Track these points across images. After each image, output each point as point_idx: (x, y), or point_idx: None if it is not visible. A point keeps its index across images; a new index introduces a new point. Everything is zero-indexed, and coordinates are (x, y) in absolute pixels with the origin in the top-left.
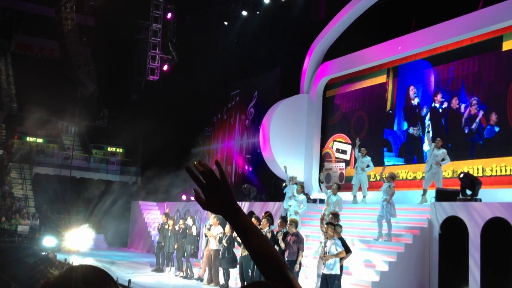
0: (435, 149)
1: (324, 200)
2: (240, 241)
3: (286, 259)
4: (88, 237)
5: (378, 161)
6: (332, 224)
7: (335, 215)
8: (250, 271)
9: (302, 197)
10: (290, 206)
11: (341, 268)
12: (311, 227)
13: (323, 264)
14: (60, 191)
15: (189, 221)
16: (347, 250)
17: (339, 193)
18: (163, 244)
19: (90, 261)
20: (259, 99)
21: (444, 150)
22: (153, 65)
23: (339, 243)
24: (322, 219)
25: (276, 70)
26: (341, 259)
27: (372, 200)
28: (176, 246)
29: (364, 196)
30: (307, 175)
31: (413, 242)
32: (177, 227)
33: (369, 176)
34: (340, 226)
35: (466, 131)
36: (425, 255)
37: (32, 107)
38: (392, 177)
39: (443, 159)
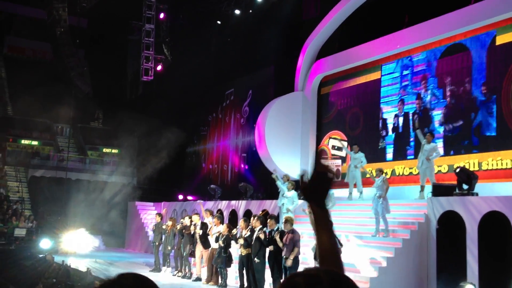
0: (425, 144)
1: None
2: (238, 242)
3: (284, 257)
4: (85, 239)
5: (375, 157)
6: None
7: None
8: (249, 269)
9: (291, 193)
10: (283, 204)
11: None
12: (307, 224)
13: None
14: (56, 193)
15: (187, 221)
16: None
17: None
18: (157, 243)
19: (87, 262)
20: (254, 97)
21: (434, 144)
22: (147, 66)
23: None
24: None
25: (270, 68)
26: None
27: (369, 196)
28: (172, 246)
29: (360, 192)
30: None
31: (410, 237)
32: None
33: (364, 173)
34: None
35: (462, 124)
36: (422, 250)
37: (26, 109)
38: (381, 171)
39: (433, 154)
